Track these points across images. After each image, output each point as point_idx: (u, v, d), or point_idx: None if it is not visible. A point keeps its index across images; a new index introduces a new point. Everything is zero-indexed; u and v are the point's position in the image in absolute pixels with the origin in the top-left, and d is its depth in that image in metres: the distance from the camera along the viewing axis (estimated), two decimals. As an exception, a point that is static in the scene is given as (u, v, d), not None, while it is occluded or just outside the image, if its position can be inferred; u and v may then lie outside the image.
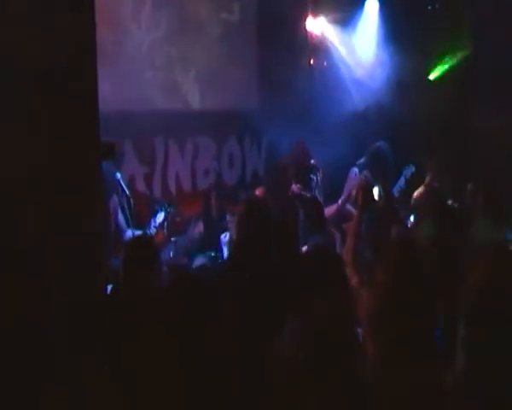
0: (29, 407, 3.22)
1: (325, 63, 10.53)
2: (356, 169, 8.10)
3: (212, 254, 7.15)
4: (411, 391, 3.25)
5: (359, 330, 3.67)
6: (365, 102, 10.13)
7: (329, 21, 10.38)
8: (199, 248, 7.33)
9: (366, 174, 7.34)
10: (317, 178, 7.75)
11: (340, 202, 7.77)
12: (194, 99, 9.03)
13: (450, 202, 6.41)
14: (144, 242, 5.21)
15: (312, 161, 7.82)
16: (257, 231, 4.85)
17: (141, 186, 8.42)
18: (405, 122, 10.02)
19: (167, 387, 3.27)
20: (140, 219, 7.15)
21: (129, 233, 6.61)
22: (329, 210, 7.71)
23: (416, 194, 7.73)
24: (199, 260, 7.01)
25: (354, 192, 7.15)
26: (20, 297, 3.40)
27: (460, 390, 3.16)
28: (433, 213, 5.30)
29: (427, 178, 7.90)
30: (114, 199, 6.70)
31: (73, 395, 3.31)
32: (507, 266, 3.33)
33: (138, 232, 6.70)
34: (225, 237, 7.12)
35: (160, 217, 7.01)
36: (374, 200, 4.93)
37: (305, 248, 5.65)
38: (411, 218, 6.98)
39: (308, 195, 7.38)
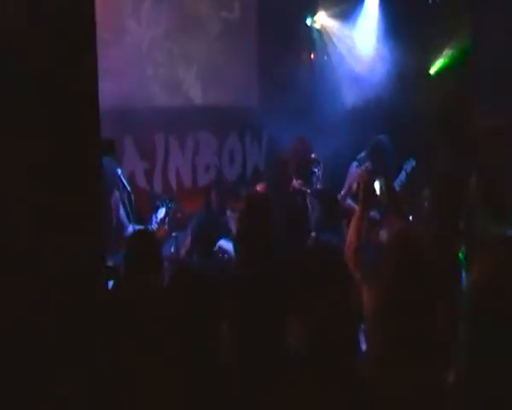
0: (29, 407, 3.23)
1: (325, 58, 10.50)
2: (356, 163, 8.09)
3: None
4: (411, 391, 3.25)
5: (359, 329, 3.67)
6: (366, 97, 10.11)
7: (329, 16, 10.36)
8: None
9: (367, 166, 7.32)
10: (317, 172, 7.75)
11: (339, 196, 7.75)
12: (195, 95, 9.04)
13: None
14: (145, 236, 5.22)
15: (313, 155, 7.81)
16: (258, 226, 4.84)
17: (141, 182, 8.44)
18: (406, 116, 10.01)
19: (167, 386, 3.27)
20: (141, 214, 7.16)
21: (130, 229, 6.61)
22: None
23: None
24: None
25: (355, 186, 7.16)
26: (20, 297, 3.40)
27: (460, 390, 3.16)
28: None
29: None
30: (116, 195, 6.70)
31: (73, 394, 3.32)
32: (507, 265, 3.32)
33: (139, 227, 6.71)
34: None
35: (162, 212, 7.01)
36: (375, 194, 4.92)
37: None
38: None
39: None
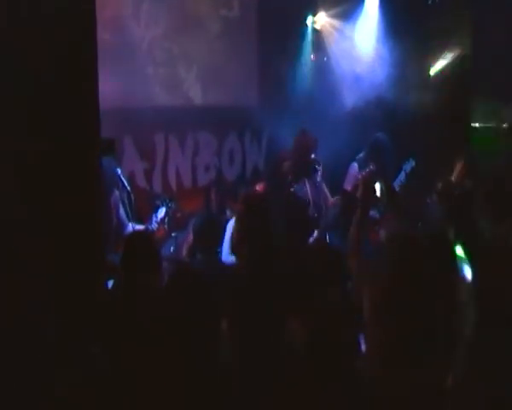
0: (29, 407, 3.23)
1: (325, 58, 10.50)
2: (356, 164, 8.08)
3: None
4: (411, 391, 3.25)
5: (359, 329, 3.67)
6: (365, 97, 10.11)
7: (330, 16, 10.36)
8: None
9: (371, 168, 7.29)
10: (319, 169, 7.70)
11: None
12: (195, 95, 9.03)
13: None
14: (143, 237, 5.22)
15: (313, 156, 7.78)
16: (256, 227, 4.84)
17: (141, 182, 8.43)
18: (405, 117, 10.02)
19: (167, 386, 3.27)
20: (140, 214, 7.15)
21: (130, 228, 6.61)
22: (333, 203, 7.71)
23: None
24: None
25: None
26: (20, 297, 3.41)
27: (460, 390, 3.16)
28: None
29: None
30: (115, 194, 6.70)
31: (73, 394, 3.32)
32: (507, 266, 3.33)
33: (139, 227, 6.71)
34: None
35: (162, 212, 6.99)
36: (375, 194, 4.92)
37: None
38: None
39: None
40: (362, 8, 10.36)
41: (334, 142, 8.30)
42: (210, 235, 5.68)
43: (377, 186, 5.08)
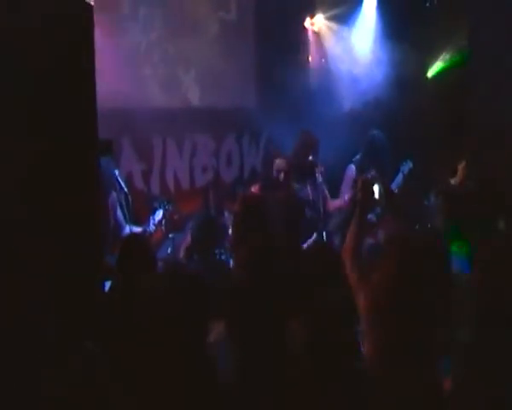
0: (29, 407, 3.22)
1: (323, 60, 10.50)
2: (353, 166, 8.08)
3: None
4: (411, 391, 3.25)
5: (359, 329, 3.67)
6: (363, 99, 10.12)
7: (327, 18, 10.35)
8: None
9: (373, 174, 7.26)
10: (320, 170, 7.67)
11: (346, 198, 7.68)
12: (193, 97, 9.03)
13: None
14: (139, 239, 5.23)
15: (310, 158, 7.75)
16: (254, 228, 4.84)
17: (139, 183, 8.42)
18: (403, 118, 10.02)
19: (167, 386, 3.27)
20: (138, 216, 7.15)
21: (127, 230, 6.61)
22: (334, 204, 7.70)
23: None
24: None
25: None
26: (20, 297, 3.40)
27: (460, 391, 3.16)
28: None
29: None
30: (113, 195, 6.70)
31: (73, 394, 3.31)
32: (507, 265, 3.33)
33: (136, 229, 6.71)
34: None
35: (159, 214, 7.01)
36: (374, 196, 4.92)
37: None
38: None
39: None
40: (360, 9, 10.35)
41: (333, 143, 8.30)
42: (208, 236, 5.70)
43: (375, 188, 5.08)
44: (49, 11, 3.79)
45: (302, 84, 9.68)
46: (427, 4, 10.41)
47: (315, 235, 6.94)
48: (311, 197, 7.49)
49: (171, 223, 7.48)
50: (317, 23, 10.37)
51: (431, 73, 10.75)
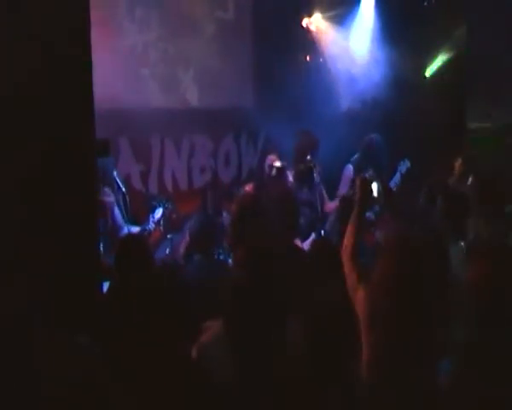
0: (29, 407, 3.21)
1: (321, 60, 10.49)
2: (350, 166, 8.09)
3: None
4: (411, 391, 3.25)
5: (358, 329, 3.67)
6: (361, 99, 10.13)
7: (325, 18, 10.34)
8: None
9: (371, 174, 7.28)
10: (317, 170, 7.67)
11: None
12: (191, 97, 9.02)
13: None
14: (136, 239, 5.23)
15: (308, 157, 7.75)
16: (251, 228, 4.83)
17: (137, 184, 8.41)
18: (401, 118, 10.03)
19: (167, 386, 3.27)
20: (136, 216, 7.14)
21: (125, 230, 6.61)
22: (331, 205, 7.70)
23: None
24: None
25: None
26: (20, 297, 3.39)
27: (458, 391, 3.16)
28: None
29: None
30: (111, 195, 6.69)
31: (72, 394, 3.30)
32: (506, 265, 3.32)
33: (135, 228, 6.70)
34: None
35: (159, 212, 6.98)
36: (372, 195, 4.92)
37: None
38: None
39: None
40: (357, 9, 10.36)
41: (330, 143, 8.30)
42: (206, 236, 5.68)
43: (374, 186, 5.07)
44: (47, 11, 3.78)
45: (300, 84, 9.66)
46: (425, 4, 10.42)
47: (313, 235, 6.93)
48: (309, 197, 7.48)
49: (169, 223, 7.47)
50: (314, 23, 10.36)
51: (429, 72, 10.75)
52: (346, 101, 10.10)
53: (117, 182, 6.69)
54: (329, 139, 8.37)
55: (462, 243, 4.84)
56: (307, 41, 10.42)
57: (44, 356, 2.96)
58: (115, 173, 6.71)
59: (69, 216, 3.91)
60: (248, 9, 9.75)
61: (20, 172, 3.65)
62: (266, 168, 7.69)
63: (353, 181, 7.72)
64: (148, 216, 6.87)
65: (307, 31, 10.37)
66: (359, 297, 3.73)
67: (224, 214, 7.46)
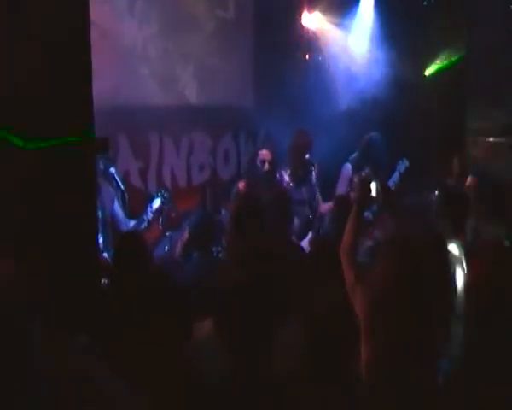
0: (29, 407, 3.20)
1: (320, 59, 10.49)
2: (349, 165, 8.09)
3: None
4: (411, 391, 3.24)
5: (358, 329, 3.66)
6: (360, 98, 10.12)
7: (325, 17, 10.34)
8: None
9: (367, 172, 7.29)
10: (314, 170, 7.69)
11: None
12: (190, 95, 9.01)
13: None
14: (135, 236, 5.24)
15: (307, 156, 7.76)
16: (249, 227, 4.84)
17: (136, 181, 8.40)
18: (400, 117, 10.04)
19: (166, 386, 3.26)
20: (135, 213, 7.14)
21: (124, 226, 6.60)
22: (325, 206, 7.70)
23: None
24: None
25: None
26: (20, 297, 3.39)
27: (458, 391, 3.16)
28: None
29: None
30: (110, 192, 6.69)
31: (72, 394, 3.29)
32: (506, 265, 3.32)
33: (132, 221, 6.70)
34: None
35: (157, 203, 6.96)
36: (371, 194, 4.91)
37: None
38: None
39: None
40: (357, 8, 10.36)
41: (329, 141, 8.30)
42: (205, 233, 5.69)
43: (373, 186, 5.07)
44: (47, 11, 3.78)
45: (299, 83, 9.67)
46: (425, 3, 10.42)
47: (310, 234, 6.94)
48: (305, 196, 7.49)
49: (168, 221, 7.47)
50: (314, 22, 10.36)
51: (428, 72, 10.76)
52: (345, 100, 10.09)
53: (116, 179, 6.68)
54: (329, 138, 8.39)
55: (462, 243, 4.83)
56: (307, 40, 10.41)
57: (44, 356, 2.94)
58: (114, 170, 6.69)
59: (69, 216, 3.91)
60: (248, 8, 9.75)
61: (20, 172, 3.65)
62: (258, 163, 7.70)
63: (351, 180, 7.74)
64: (146, 206, 6.85)
65: (307, 30, 10.37)
66: (358, 297, 3.72)
67: (223, 212, 7.47)
